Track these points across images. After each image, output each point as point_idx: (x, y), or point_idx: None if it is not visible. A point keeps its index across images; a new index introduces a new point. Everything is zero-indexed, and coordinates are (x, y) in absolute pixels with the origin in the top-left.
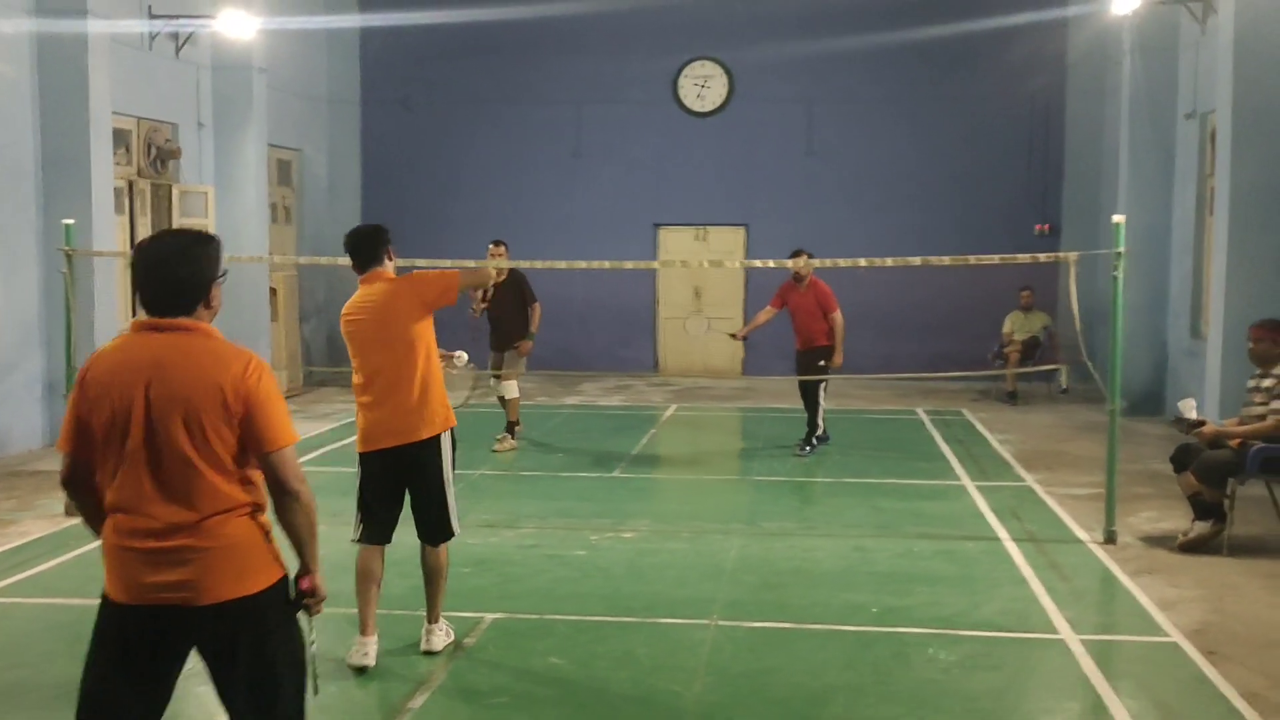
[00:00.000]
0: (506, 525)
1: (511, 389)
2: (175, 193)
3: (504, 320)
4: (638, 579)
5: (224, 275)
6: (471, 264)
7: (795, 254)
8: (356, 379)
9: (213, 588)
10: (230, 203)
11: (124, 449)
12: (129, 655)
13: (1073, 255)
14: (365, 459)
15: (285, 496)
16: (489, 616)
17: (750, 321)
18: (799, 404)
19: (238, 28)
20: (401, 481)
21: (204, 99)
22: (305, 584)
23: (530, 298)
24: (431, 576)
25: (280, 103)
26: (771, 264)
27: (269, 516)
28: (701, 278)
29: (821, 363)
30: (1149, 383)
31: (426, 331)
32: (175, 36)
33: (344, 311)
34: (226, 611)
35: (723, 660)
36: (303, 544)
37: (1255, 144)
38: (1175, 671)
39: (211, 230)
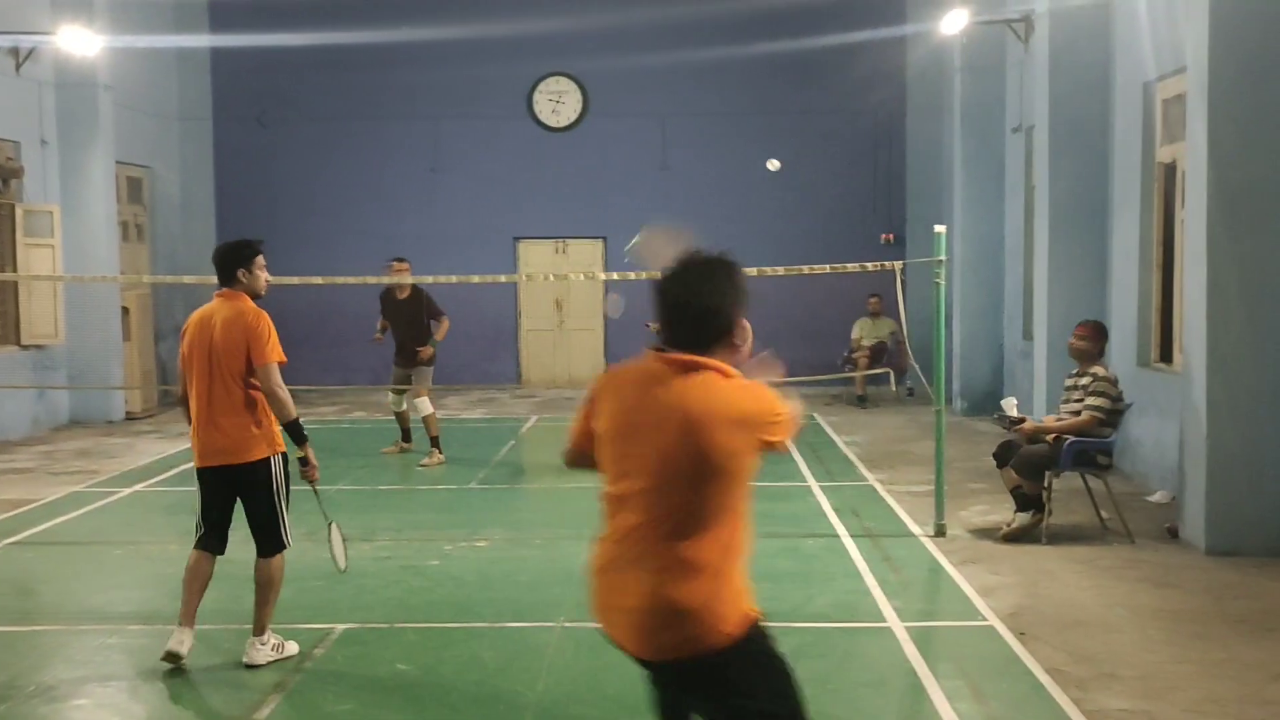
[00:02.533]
0: (362, 539)
1: (425, 405)
2: (19, 212)
3: (408, 337)
4: (488, 586)
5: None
6: (329, 281)
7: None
8: (190, 392)
9: None
10: (77, 221)
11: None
12: None
13: (899, 264)
14: (199, 473)
15: None
16: (339, 627)
17: None
18: None
19: (80, 44)
20: (232, 497)
21: (47, 116)
22: None
23: (437, 313)
24: (261, 587)
25: (129, 120)
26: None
27: None
28: (562, 290)
29: None
30: (988, 383)
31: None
32: (15, 52)
33: (188, 320)
34: None
35: (565, 660)
36: None
37: (1070, 157)
38: (989, 652)
39: (58, 250)
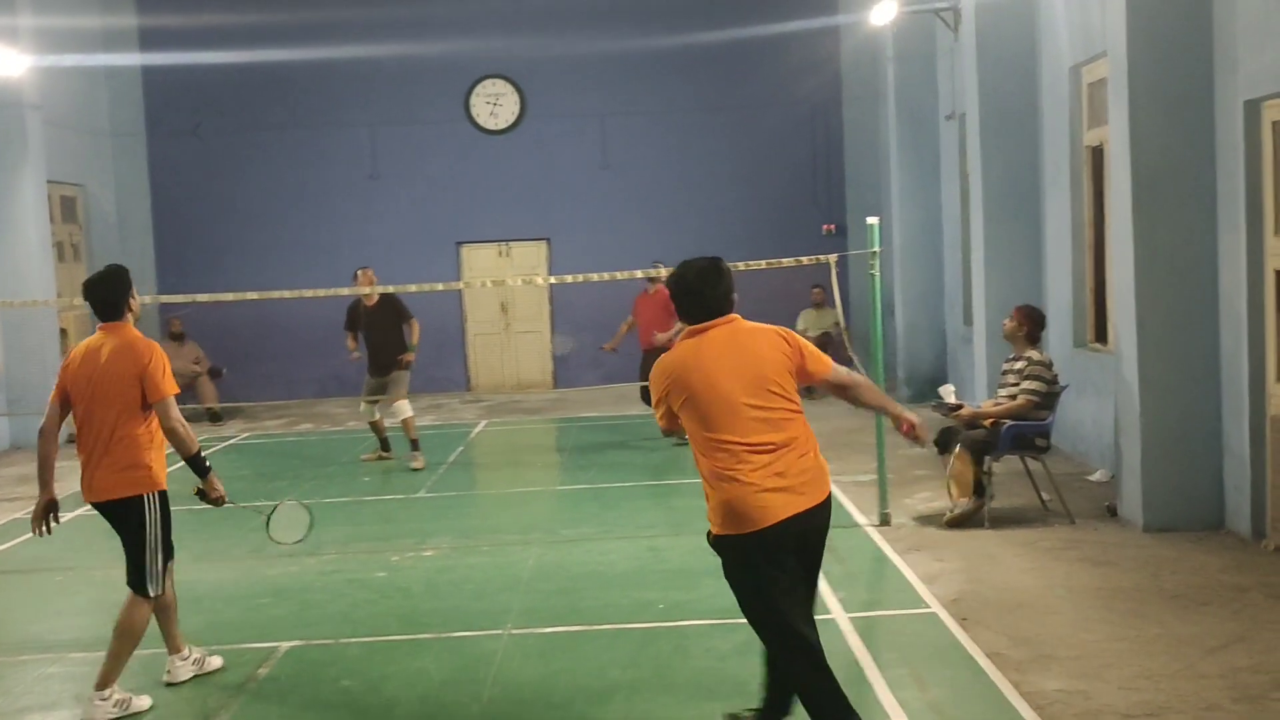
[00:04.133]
0: (307, 553)
1: (404, 409)
2: None
3: (384, 345)
4: (435, 596)
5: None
6: (264, 296)
7: (654, 264)
8: (74, 428)
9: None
10: (10, 244)
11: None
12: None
13: (833, 258)
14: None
15: None
16: (284, 645)
17: (615, 335)
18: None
19: (5, 64)
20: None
21: None
22: None
23: (407, 316)
24: (116, 633)
25: (59, 138)
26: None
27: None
28: (507, 293)
29: None
30: (932, 369)
31: (139, 397)
32: None
33: (70, 355)
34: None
35: (512, 669)
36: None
37: (1001, 142)
38: (931, 639)
39: None
